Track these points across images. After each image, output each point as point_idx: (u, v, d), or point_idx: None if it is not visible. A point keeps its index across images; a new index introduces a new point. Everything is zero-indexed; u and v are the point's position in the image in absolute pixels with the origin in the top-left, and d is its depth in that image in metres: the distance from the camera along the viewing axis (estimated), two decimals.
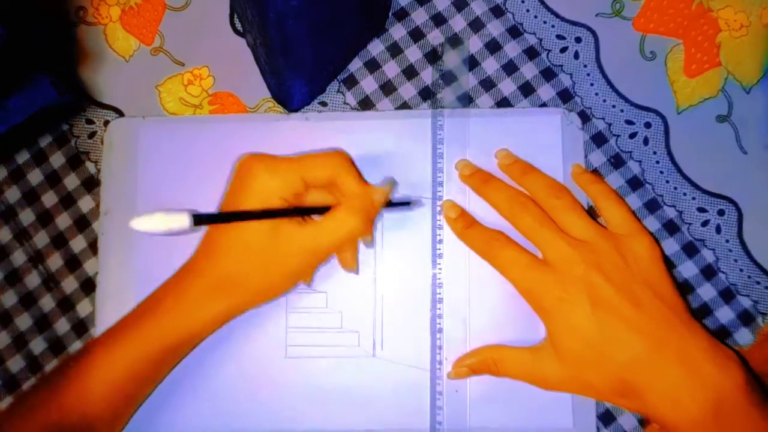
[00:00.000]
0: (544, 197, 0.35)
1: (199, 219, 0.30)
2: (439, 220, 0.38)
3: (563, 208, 0.35)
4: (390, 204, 0.36)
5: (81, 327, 0.38)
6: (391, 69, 0.40)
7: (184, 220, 0.29)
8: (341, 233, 0.33)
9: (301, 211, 0.33)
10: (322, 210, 0.34)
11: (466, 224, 0.36)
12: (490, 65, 0.40)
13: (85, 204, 0.39)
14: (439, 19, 0.40)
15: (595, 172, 0.39)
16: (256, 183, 0.32)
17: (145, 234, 0.29)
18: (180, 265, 0.38)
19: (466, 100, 0.39)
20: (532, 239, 0.35)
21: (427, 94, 0.40)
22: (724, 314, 0.37)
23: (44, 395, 0.32)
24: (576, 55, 0.40)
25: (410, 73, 0.40)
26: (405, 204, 0.37)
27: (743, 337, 0.37)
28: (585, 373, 0.32)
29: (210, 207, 0.38)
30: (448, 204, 0.37)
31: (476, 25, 0.40)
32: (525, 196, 0.36)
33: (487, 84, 0.39)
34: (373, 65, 0.40)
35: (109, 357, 0.32)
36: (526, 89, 0.39)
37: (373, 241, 0.37)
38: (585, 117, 0.39)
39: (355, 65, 0.40)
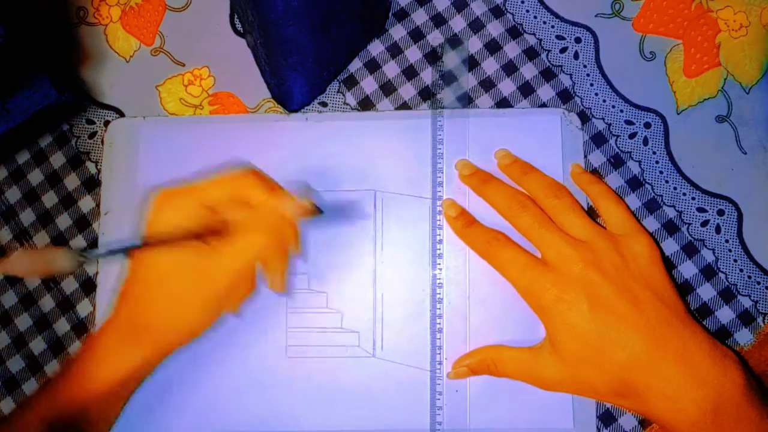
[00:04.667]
0: (543, 197, 0.35)
1: (81, 254, 0.28)
2: (439, 220, 0.38)
3: (562, 208, 0.35)
4: (321, 211, 0.34)
5: (81, 327, 0.38)
6: (391, 69, 0.40)
7: (66, 261, 0.27)
8: (248, 255, 0.31)
9: (197, 236, 0.31)
10: (221, 231, 0.31)
11: (466, 223, 0.36)
12: (490, 65, 0.40)
13: (86, 204, 0.39)
14: (439, 20, 0.40)
15: (594, 172, 0.39)
16: (154, 217, 0.31)
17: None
18: None
19: (466, 101, 0.39)
20: (531, 239, 0.35)
21: (427, 94, 0.40)
22: (724, 314, 0.37)
23: None
24: (576, 56, 0.40)
25: (410, 73, 0.40)
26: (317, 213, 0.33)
27: (743, 337, 0.37)
28: (584, 373, 0.32)
29: None
30: (448, 203, 0.37)
31: (476, 25, 0.40)
32: (524, 195, 0.36)
33: (487, 84, 0.39)
34: (373, 65, 0.40)
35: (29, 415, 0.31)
36: (526, 89, 0.39)
37: (301, 252, 0.34)
38: (584, 117, 0.39)
39: (355, 65, 0.40)
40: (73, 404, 0.31)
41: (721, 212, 0.38)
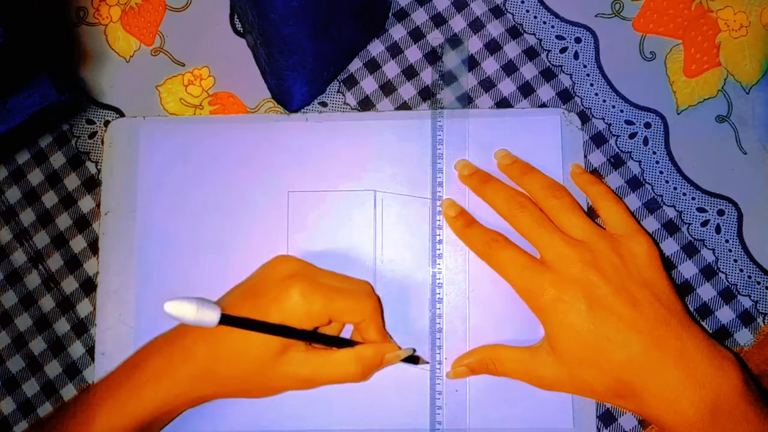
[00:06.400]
0: (543, 197, 0.35)
1: (225, 320, 0.30)
2: (439, 220, 0.38)
3: (562, 208, 0.35)
4: (418, 360, 0.36)
5: (81, 327, 0.38)
6: (391, 69, 0.40)
7: (213, 318, 0.30)
8: (338, 375, 0.33)
9: (320, 339, 0.33)
10: (340, 343, 0.34)
11: (465, 223, 0.36)
12: (490, 65, 0.40)
13: (86, 204, 0.39)
14: (439, 20, 0.40)
15: (594, 172, 0.39)
16: (287, 303, 0.32)
17: (175, 317, 0.30)
18: (180, 268, 0.38)
19: (466, 101, 0.39)
20: (530, 239, 0.35)
21: (427, 94, 0.40)
22: (725, 314, 0.37)
23: None
24: (576, 56, 0.40)
25: (410, 73, 0.40)
26: (412, 362, 0.36)
27: (743, 337, 0.37)
28: (582, 373, 0.32)
29: (209, 209, 0.38)
30: (447, 202, 0.37)
31: (476, 25, 0.40)
32: (524, 196, 0.36)
33: (487, 84, 0.39)
34: (373, 65, 0.40)
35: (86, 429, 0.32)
36: (526, 89, 0.39)
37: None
38: (584, 117, 0.39)
39: (355, 65, 0.40)
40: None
41: (721, 212, 0.38)
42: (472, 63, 0.40)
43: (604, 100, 0.39)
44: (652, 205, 0.38)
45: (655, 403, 0.31)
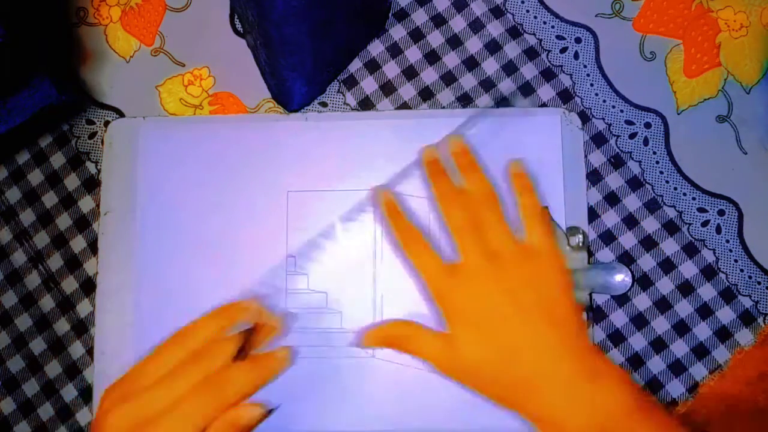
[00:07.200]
0: (479, 203, 0.35)
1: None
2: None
3: (492, 219, 0.34)
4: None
5: (81, 327, 0.38)
6: (391, 69, 0.40)
7: None
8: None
9: None
10: None
11: (395, 210, 0.35)
12: (490, 65, 0.40)
13: (85, 204, 0.39)
14: (439, 20, 0.40)
15: (594, 172, 0.38)
16: None
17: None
18: (180, 268, 0.38)
19: (466, 101, 0.39)
20: (456, 240, 0.34)
21: (427, 94, 0.40)
22: (725, 315, 0.37)
23: None
24: (576, 56, 0.40)
25: (410, 73, 0.40)
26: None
27: (744, 337, 0.37)
28: (481, 385, 0.31)
29: (208, 209, 0.38)
30: (428, 150, 0.35)
31: (476, 25, 0.40)
32: (467, 198, 0.34)
33: (487, 84, 0.39)
34: (373, 66, 0.40)
35: None
36: (526, 89, 0.39)
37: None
38: (585, 117, 0.39)
39: (355, 66, 0.40)
40: None
41: (721, 212, 0.38)
42: (472, 63, 0.40)
43: (604, 100, 0.39)
44: (652, 205, 0.38)
45: (545, 426, 0.31)
